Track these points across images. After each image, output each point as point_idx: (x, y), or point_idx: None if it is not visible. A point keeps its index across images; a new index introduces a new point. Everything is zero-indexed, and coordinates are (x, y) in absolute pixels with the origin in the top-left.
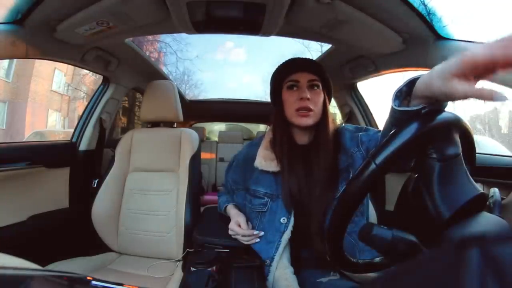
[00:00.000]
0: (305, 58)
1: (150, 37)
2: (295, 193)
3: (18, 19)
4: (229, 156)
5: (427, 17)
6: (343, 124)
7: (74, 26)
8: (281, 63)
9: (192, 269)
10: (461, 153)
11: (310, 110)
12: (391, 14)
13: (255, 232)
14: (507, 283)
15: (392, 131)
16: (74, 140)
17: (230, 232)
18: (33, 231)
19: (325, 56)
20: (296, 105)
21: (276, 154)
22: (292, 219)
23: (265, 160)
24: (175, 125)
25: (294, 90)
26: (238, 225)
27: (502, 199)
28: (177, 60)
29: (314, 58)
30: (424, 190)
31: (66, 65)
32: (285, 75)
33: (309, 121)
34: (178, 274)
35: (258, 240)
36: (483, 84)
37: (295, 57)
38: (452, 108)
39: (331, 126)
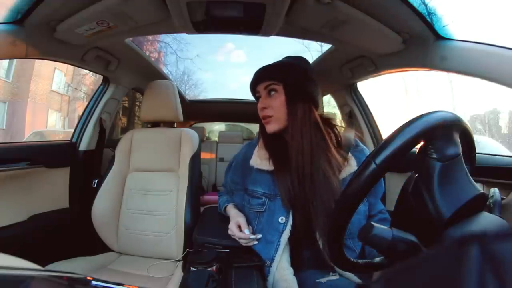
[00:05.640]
0: (262, 67)
1: (150, 37)
2: (292, 191)
3: (18, 19)
4: (229, 156)
5: (427, 17)
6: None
7: (74, 26)
8: None
9: (192, 269)
10: (461, 153)
11: (269, 117)
12: (391, 14)
13: (252, 236)
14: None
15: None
16: (74, 140)
17: (229, 232)
18: (33, 231)
19: (325, 56)
20: (260, 116)
21: (269, 153)
22: (291, 218)
23: (260, 159)
24: (175, 125)
25: (259, 101)
26: (238, 226)
27: (502, 199)
28: (177, 60)
29: (314, 58)
30: (424, 190)
31: (66, 65)
32: (252, 90)
33: (270, 127)
34: (178, 274)
35: (256, 242)
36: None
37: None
38: (452, 108)
39: (339, 125)
